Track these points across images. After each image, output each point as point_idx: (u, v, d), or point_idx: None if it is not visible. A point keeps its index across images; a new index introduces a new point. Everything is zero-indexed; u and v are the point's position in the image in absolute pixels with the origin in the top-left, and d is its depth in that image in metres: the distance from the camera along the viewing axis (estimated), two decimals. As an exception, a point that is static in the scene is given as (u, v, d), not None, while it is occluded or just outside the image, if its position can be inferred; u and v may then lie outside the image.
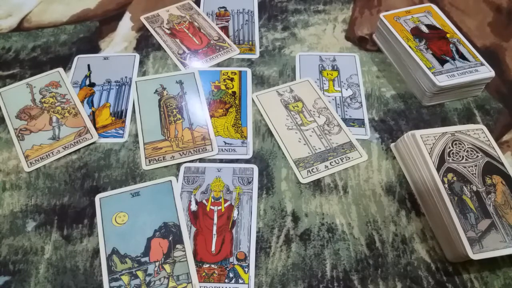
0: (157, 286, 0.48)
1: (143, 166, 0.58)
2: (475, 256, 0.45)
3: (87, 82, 0.68)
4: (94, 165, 0.59)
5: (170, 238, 0.51)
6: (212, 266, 0.50)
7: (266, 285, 0.49)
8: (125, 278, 0.49)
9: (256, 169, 0.57)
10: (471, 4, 0.78)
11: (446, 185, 0.49)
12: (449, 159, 0.51)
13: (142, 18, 0.78)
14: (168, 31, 0.75)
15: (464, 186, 0.49)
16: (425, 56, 0.62)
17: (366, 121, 0.62)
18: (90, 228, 0.53)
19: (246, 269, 0.49)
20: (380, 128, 0.62)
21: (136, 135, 0.61)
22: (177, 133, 0.61)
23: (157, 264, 0.49)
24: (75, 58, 0.71)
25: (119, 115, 0.64)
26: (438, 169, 0.50)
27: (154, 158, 0.59)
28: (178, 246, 0.50)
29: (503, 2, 0.78)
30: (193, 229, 0.52)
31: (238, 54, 0.71)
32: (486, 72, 0.60)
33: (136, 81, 0.67)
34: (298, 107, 0.64)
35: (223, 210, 0.54)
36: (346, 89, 0.66)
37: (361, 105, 0.64)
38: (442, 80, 0.59)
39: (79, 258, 0.51)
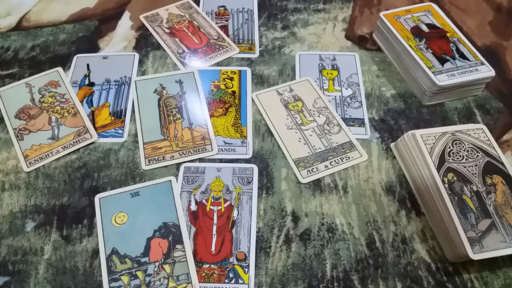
0: (157, 286, 0.48)
1: (143, 166, 0.58)
2: (475, 256, 0.45)
3: (86, 82, 0.68)
4: (94, 165, 0.58)
5: (170, 238, 0.51)
6: (212, 266, 0.49)
7: (266, 285, 0.49)
8: (125, 279, 0.48)
9: (256, 169, 0.57)
10: (471, 3, 0.78)
11: (446, 185, 0.49)
12: (449, 159, 0.51)
13: (141, 17, 0.77)
14: (167, 30, 0.75)
15: (464, 186, 0.49)
16: (425, 56, 0.61)
17: (366, 121, 0.62)
18: (89, 228, 0.53)
19: (246, 269, 0.49)
20: (380, 128, 0.62)
21: (136, 135, 0.61)
22: (177, 133, 0.61)
23: (157, 264, 0.49)
24: (74, 58, 0.71)
25: (118, 115, 0.64)
26: (438, 169, 0.50)
27: (153, 158, 0.58)
28: (178, 246, 0.50)
29: (503, 1, 0.78)
30: (193, 229, 0.52)
31: (238, 53, 0.71)
32: (487, 71, 0.60)
33: (135, 81, 0.67)
34: (298, 106, 0.63)
35: (223, 210, 0.54)
36: (346, 89, 0.66)
37: (361, 104, 0.64)
38: (442, 80, 0.59)
39: (79, 258, 0.51)
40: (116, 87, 0.67)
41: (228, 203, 0.54)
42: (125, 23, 0.77)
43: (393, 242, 0.51)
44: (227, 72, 0.68)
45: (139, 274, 0.49)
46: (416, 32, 0.65)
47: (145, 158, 0.59)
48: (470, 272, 0.49)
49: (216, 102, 0.65)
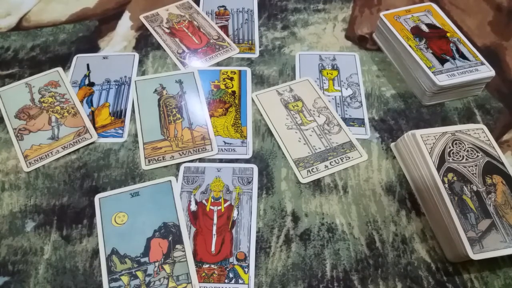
0: (157, 287, 0.48)
1: (143, 166, 0.58)
2: (475, 256, 0.45)
3: (86, 82, 0.68)
4: (94, 165, 0.58)
5: (169, 238, 0.51)
6: (212, 266, 0.49)
7: (266, 285, 0.49)
8: (125, 279, 0.48)
9: (256, 169, 0.57)
10: (471, 3, 0.78)
11: (446, 185, 0.49)
12: (449, 159, 0.51)
13: (141, 17, 0.77)
14: (167, 30, 0.75)
15: (464, 186, 0.49)
16: (425, 56, 0.61)
17: (366, 121, 0.62)
18: (89, 229, 0.53)
19: (246, 269, 0.49)
20: (380, 128, 0.62)
21: (136, 135, 0.61)
22: (177, 133, 0.61)
23: (156, 264, 0.49)
24: (74, 58, 0.71)
25: (118, 115, 0.64)
26: (438, 169, 0.50)
27: (153, 158, 0.58)
28: (177, 246, 0.50)
29: (503, 1, 0.78)
30: (193, 229, 0.52)
31: (238, 53, 0.71)
32: (486, 71, 0.60)
33: (135, 81, 0.67)
34: (298, 106, 0.63)
35: (223, 210, 0.54)
36: (346, 89, 0.66)
37: (361, 104, 0.64)
38: (442, 80, 0.59)
39: (79, 258, 0.51)
40: (116, 87, 0.67)
41: (228, 203, 0.54)
42: (125, 23, 0.77)
43: (393, 242, 0.51)
44: (227, 72, 0.68)
45: (139, 274, 0.49)
46: (416, 32, 0.65)
47: (145, 158, 0.59)
48: (470, 272, 0.49)
49: (216, 102, 0.65)
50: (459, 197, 0.48)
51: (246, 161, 0.58)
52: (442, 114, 0.63)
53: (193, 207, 0.54)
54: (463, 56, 0.61)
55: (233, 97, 0.65)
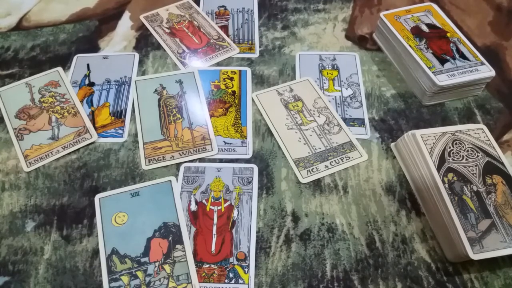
0: (157, 286, 0.48)
1: (143, 166, 0.58)
2: (475, 256, 0.45)
3: (87, 82, 0.68)
4: (94, 165, 0.58)
5: (170, 238, 0.51)
6: (212, 266, 0.49)
7: (266, 285, 0.49)
8: (125, 279, 0.48)
9: (256, 169, 0.57)
10: (471, 3, 0.78)
11: (446, 185, 0.49)
12: (449, 159, 0.51)
13: (141, 17, 0.77)
14: (167, 30, 0.75)
15: (464, 186, 0.49)
16: (425, 56, 0.61)
17: (366, 121, 0.62)
18: (89, 228, 0.53)
19: (246, 269, 0.49)
20: (380, 128, 0.62)
21: (136, 135, 0.61)
22: (177, 133, 0.61)
23: (157, 264, 0.49)
24: (75, 58, 0.71)
25: (118, 115, 0.64)
26: (438, 169, 0.50)
27: (153, 158, 0.58)
28: (178, 246, 0.50)
29: (503, 1, 0.78)
30: (193, 229, 0.52)
31: (238, 53, 0.71)
32: (487, 71, 0.60)
33: (135, 81, 0.67)
34: (298, 106, 0.63)
35: (223, 210, 0.54)
36: (346, 89, 0.66)
37: (361, 104, 0.64)
38: (443, 80, 0.59)
39: (79, 258, 0.51)
40: (116, 87, 0.67)
41: (228, 203, 0.54)
42: (125, 23, 0.77)
43: (393, 242, 0.51)
44: (227, 72, 0.68)
45: (139, 274, 0.49)
46: (416, 32, 0.65)
47: (145, 158, 0.59)
48: (470, 272, 0.49)
49: (216, 102, 0.65)
50: (459, 197, 0.48)
51: (246, 161, 0.59)
52: (442, 114, 0.63)
53: (193, 207, 0.54)
54: (463, 56, 0.61)
55: (233, 97, 0.65)
